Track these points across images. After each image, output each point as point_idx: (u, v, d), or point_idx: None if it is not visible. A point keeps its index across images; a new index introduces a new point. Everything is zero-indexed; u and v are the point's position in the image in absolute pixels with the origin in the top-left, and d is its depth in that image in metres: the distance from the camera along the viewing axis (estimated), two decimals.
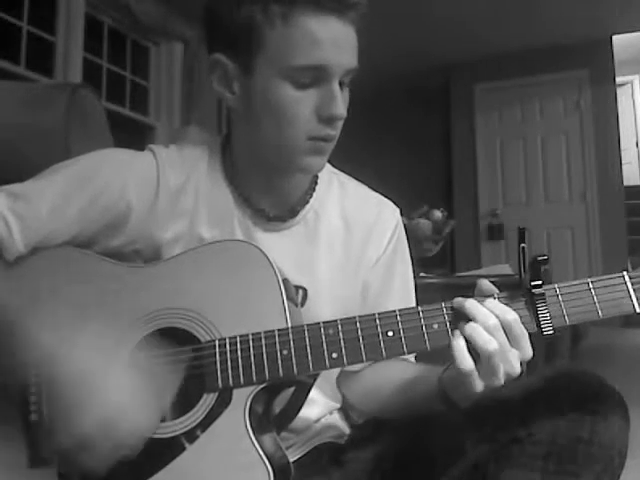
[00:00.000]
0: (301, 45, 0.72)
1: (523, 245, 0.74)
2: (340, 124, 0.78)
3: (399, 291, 0.91)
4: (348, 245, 0.88)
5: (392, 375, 0.84)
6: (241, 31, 0.74)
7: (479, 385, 0.66)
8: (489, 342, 0.65)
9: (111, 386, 0.65)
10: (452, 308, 0.69)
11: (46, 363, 0.66)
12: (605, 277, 0.68)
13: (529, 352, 0.67)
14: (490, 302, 0.67)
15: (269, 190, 0.85)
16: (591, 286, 0.67)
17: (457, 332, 0.67)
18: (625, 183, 5.03)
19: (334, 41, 0.73)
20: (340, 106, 0.75)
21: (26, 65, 3.34)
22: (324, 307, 0.84)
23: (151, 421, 0.67)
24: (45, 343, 0.66)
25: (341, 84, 0.77)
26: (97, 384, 0.65)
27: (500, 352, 0.65)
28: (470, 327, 0.66)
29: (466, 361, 0.65)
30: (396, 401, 0.84)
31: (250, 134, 0.81)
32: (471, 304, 0.67)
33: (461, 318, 0.68)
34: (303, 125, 0.76)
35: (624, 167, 5.04)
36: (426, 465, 0.77)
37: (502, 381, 0.66)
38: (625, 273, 0.68)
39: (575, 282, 0.68)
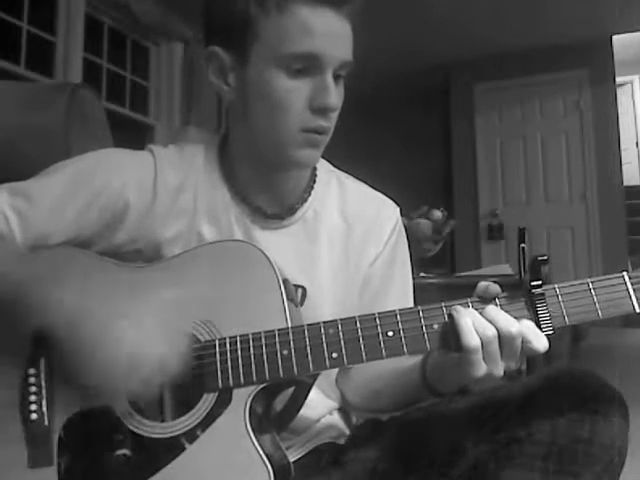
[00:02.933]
0: (295, 33, 0.72)
1: (523, 245, 0.74)
2: (334, 116, 0.78)
3: (397, 289, 0.91)
4: (348, 244, 0.88)
5: (383, 368, 0.84)
6: (237, 22, 0.75)
7: (482, 368, 0.66)
8: (512, 324, 0.65)
9: (134, 325, 0.63)
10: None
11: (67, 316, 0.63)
12: (605, 277, 0.68)
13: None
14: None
15: (266, 188, 0.85)
16: (591, 286, 0.67)
17: (460, 309, 0.67)
18: (625, 183, 5.04)
19: (328, 32, 0.73)
20: (333, 97, 0.75)
21: (26, 65, 3.34)
22: (324, 306, 0.84)
23: (180, 348, 0.65)
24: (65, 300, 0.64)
25: (336, 77, 0.77)
26: (119, 326, 0.63)
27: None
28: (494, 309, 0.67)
29: (473, 337, 0.65)
30: (387, 394, 0.85)
31: (246, 128, 0.82)
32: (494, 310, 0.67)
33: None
34: (296, 116, 0.76)
35: (624, 167, 5.04)
36: (426, 465, 0.76)
37: (502, 370, 0.66)
38: (625, 273, 0.68)
39: (575, 282, 0.68)
